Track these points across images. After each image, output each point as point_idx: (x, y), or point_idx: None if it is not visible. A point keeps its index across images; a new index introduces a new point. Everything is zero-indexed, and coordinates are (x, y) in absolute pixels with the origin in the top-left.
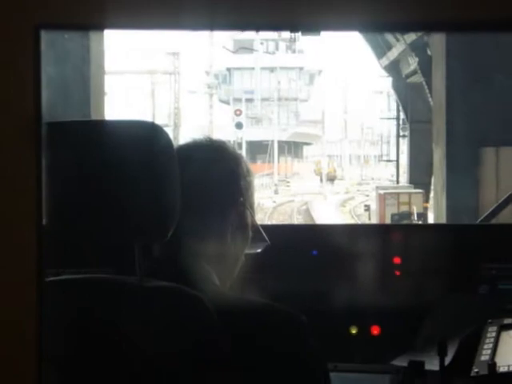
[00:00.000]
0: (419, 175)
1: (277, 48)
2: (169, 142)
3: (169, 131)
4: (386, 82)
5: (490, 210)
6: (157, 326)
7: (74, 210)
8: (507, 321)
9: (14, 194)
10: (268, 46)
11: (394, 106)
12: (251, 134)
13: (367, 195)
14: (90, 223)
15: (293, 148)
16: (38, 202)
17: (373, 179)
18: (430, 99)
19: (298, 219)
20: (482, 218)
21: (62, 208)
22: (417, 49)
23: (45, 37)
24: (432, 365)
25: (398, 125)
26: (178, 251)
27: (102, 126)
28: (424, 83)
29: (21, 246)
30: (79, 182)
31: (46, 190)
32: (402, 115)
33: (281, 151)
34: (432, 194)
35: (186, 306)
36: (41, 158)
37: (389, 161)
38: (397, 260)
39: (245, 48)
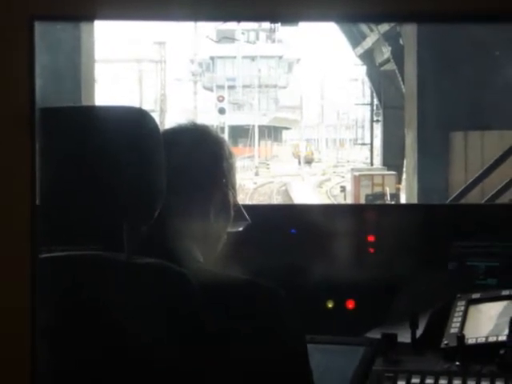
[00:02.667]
0: (392, 158)
1: (257, 38)
2: (155, 126)
3: (155, 116)
4: (361, 70)
5: (459, 190)
6: (143, 300)
7: (65, 192)
8: (475, 295)
9: (9, 176)
10: (249, 35)
11: (368, 92)
12: (233, 118)
13: (343, 177)
14: (81, 205)
15: (272, 132)
16: (32, 184)
17: (348, 162)
18: (402, 86)
19: (277, 199)
20: (451, 198)
21: (54, 190)
22: (390, 38)
23: (38, 27)
24: (404, 337)
25: (372, 110)
26: (164, 230)
27: (92, 111)
28: (396, 71)
29: (16, 226)
30: (70, 164)
31: (38, 172)
32: (375, 101)
33: (261, 135)
34: (404, 176)
35: (171, 282)
36: (35, 142)
37: (363, 144)
38: (371, 238)
39: (227, 38)
